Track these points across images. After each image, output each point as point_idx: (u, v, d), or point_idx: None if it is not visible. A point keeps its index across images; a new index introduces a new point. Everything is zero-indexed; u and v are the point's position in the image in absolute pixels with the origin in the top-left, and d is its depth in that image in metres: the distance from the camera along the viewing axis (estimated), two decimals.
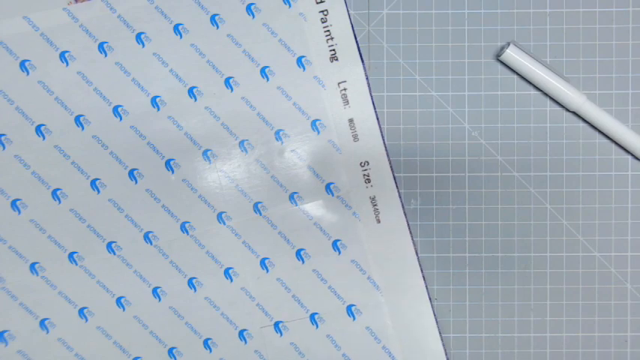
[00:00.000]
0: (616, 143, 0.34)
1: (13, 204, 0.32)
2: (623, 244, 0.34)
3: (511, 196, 0.34)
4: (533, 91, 0.34)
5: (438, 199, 0.34)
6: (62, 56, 0.32)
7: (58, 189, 0.33)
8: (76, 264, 0.33)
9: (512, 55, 0.33)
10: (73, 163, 0.33)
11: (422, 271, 0.34)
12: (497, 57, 0.33)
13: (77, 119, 0.32)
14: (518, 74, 0.33)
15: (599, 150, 0.34)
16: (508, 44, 0.33)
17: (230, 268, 0.33)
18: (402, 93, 0.34)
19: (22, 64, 0.32)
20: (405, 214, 0.34)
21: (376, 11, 0.33)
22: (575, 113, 0.34)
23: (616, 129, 0.33)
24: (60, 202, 0.33)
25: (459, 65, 0.34)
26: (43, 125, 0.32)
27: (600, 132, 0.34)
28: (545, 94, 0.34)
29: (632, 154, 0.34)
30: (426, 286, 0.34)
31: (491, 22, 0.34)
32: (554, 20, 0.34)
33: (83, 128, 0.32)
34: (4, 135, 0.32)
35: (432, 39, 0.34)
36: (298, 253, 0.34)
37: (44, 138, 0.32)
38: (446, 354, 0.34)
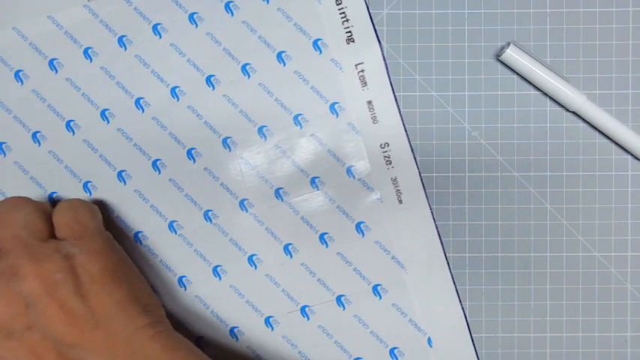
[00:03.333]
0: (616, 143, 0.33)
1: (50, 197, 0.34)
2: (623, 244, 0.34)
3: (511, 196, 0.34)
4: (533, 91, 0.33)
5: (438, 199, 0.34)
6: (86, 52, 0.33)
7: (89, 181, 0.34)
8: None
9: (512, 55, 0.32)
10: (100, 156, 0.34)
11: (442, 245, 0.33)
12: (497, 57, 0.33)
13: (103, 113, 0.33)
14: (518, 74, 0.33)
15: (599, 150, 0.34)
16: (508, 44, 0.32)
17: (254, 254, 0.33)
18: (402, 93, 0.34)
19: (51, 63, 0.33)
20: (426, 193, 0.33)
21: (376, 11, 0.33)
22: (575, 113, 0.33)
23: (616, 129, 0.33)
24: (91, 194, 0.34)
25: (459, 65, 0.34)
26: (73, 121, 0.33)
27: (600, 132, 0.33)
28: (545, 94, 0.33)
29: (632, 154, 0.33)
30: (447, 259, 0.33)
31: (491, 22, 0.33)
32: (554, 20, 0.33)
33: (109, 122, 0.33)
34: (39, 132, 0.34)
35: (432, 39, 0.33)
36: (322, 237, 0.33)
37: (74, 133, 0.33)
38: (466, 319, 0.34)
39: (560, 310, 0.34)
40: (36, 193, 0.34)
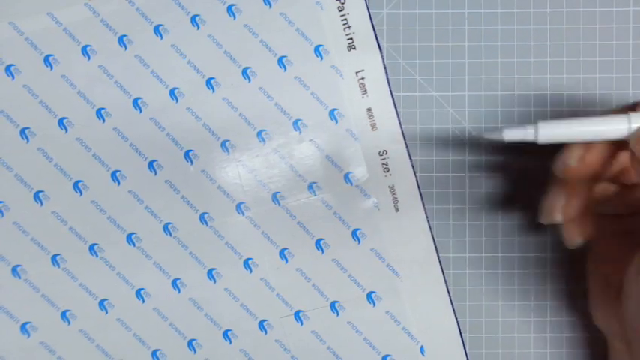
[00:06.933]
0: None
1: (36, 196, 0.33)
2: None
3: None
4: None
5: (437, 199, 0.34)
6: (84, 50, 0.33)
7: (80, 181, 0.33)
8: (97, 255, 0.33)
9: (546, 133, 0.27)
10: (94, 155, 0.33)
11: (438, 255, 0.33)
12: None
13: (98, 112, 0.33)
14: (519, 77, 0.33)
15: None
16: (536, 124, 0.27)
17: (249, 258, 0.33)
18: (402, 93, 0.34)
19: (46, 59, 0.33)
20: (423, 202, 0.33)
21: (376, 11, 0.33)
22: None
23: None
24: (81, 194, 0.33)
25: (459, 65, 0.34)
26: (66, 118, 0.33)
27: None
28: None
29: None
30: (442, 270, 0.34)
31: (491, 22, 0.34)
32: (554, 20, 0.34)
33: (104, 121, 0.33)
34: (28, 128, 0.33)
35: (432, 39, 0.34)
36: (317, 243, 0.33)
37: (67, 131, 0.33)
38: (459, 329, 0.34)
39: (561, 310, 0.34)
40: (20, 192, 0.33)
